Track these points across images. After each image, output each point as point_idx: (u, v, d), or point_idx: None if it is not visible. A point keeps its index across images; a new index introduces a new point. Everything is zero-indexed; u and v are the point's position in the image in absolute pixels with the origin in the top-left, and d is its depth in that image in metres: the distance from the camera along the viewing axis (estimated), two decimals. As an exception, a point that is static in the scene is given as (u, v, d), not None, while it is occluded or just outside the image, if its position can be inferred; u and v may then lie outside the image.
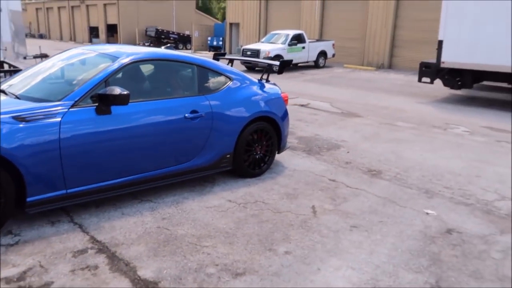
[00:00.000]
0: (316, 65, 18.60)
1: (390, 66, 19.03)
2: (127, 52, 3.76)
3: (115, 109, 3.37)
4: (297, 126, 7.23)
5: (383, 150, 5.89)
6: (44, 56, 13.39)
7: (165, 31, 36.81)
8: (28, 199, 2.99)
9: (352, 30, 20.21)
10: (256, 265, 2.82)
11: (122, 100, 3.25)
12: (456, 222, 3.65)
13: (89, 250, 2.87)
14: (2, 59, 7.82)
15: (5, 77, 6.19)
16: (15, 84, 3.72)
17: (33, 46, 20.62)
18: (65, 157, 3.10)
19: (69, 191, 3.19)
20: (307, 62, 18.38)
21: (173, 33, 36.83)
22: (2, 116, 2.89)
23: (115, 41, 38.05)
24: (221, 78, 4.30)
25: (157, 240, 3.07)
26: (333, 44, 19.16)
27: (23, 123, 2.94)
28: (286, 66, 5.08)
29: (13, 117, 2.93)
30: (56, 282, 2.49)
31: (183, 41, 36.07)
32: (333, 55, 19.17)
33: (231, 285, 2.58)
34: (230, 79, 4.35)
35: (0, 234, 2.98)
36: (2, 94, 3.43)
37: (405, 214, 3.79)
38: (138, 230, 3.19)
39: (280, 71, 4.98)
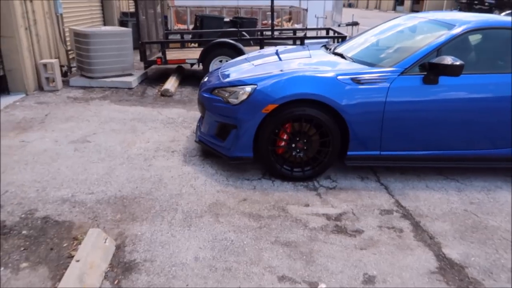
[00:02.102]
0: None
1: None
2: (461, 20, 3.52)
3: (442, 79, 3.27)
4: None
5: None
6: (355, 24, 14.35)
7: (479, -5, 32.46)
8: (349, 153, 3.38)
9: None
10: None
11: (453, 70, 3.10)
12: None
13: (394, 213, 3.01)
14: (330, 27, 8.86)
15: (334, 42, 7.05)
16: (348, 48, 4.14)
17: (345, 14, 22.46)
18: (385, 121, 3.28)
19: (382, 153, 3.39)
20: None
21: (489, -3, 32.06)
22: (343, 77, 3.29)
23: (419, 9, 36.67)
24: None
25: (464, 223, 2.90)
26: None
27: (358, 84, 3.26)
28: None
29: (352, 79, 3.29)
30: (366, 233, 2.75)
31: (500, 6, 30.91)
32: None
33: (558, 303, 2.17)
34: None
35: (321, 177, 3.51)
36: (340, 57, 3.88)
37: None
38: (443, 207, 3.10)
39: None
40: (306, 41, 7.12)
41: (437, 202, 3.18)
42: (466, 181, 3.55)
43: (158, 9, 8.14)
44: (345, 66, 3.56)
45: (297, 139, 3.37)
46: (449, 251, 2.59)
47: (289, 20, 14.06)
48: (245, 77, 3.54)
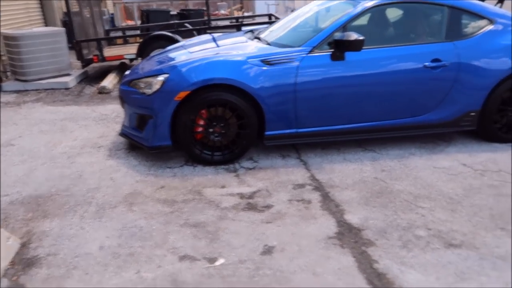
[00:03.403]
0: None
1: None
2: None
3: (349, 55, 3.37)
4: None
5: None
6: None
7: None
8: (266, 133, 3.46)
9: None
10: (479, 242, 2.41)
11: (355, 46, 3.22)
12: None
13: (307, 186, 3.12)
14: (272, 13, 8.94)
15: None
16: (269, 33, 4.20)
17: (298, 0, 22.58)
18: (298, 100, 3.37)
19: (299, 130, 3.49)
20: None
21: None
22: (253, 60, 3.35)
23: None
24: (479, 21, 3.61)
25: (371, 190, 3.03)
26: None
27: (268, 66, 3.33)
28: None
29: (262, 60, 3.35)
30: (275, 207, 2.84)
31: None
32: None
33: (440, 253, 2.32)
34: (491, 22, 3.60)
35: (243, 158, 3.59)
36: (259, 41, 3.94)
37: None
38: (355, 177, 3.23)
39: None
40: (244, 28, 7.16)
41: (351, 172, 3.31)
42: (382, 150, 3.69)
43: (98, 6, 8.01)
44: (258, 49, 3.62)
45: (214, 123, 3.42)
46: (351, 216, 2.71)
47: (241, 8, 14.06)
48: (158, 68, 3.56)
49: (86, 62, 6.69)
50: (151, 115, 3.39)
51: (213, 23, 7.83)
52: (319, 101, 3.42)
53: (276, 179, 3.24)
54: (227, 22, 10.11)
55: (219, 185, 3.17)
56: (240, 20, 8.71)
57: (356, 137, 3.64)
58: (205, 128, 3.44)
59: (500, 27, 3.60)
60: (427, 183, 3.10)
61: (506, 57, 3.52)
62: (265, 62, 3.35)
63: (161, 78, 3.37)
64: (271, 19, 8.24)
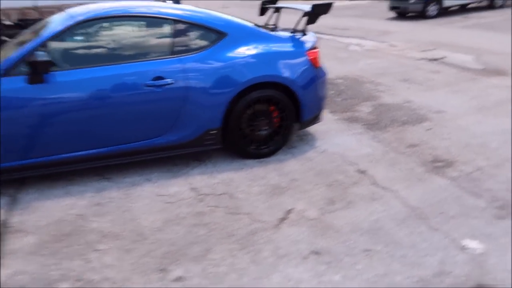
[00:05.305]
0: (490, 6, 14.60)
1: None
2: (83, 11, 3.25)
3: (57, 77, 2.97)
4: (394, 88, 5.63)
5: (491, 129, 4.04)
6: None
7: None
8: (-37, 171, 2.94)
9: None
10: (121, 291, 2.12)
11: (42, 68, 2.83)
12: (505, 273, 2.11)
13: (-16, 235, 2.65)
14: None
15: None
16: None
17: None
18: (-6, 131, 2.90)
19: (2, 165, 3.00)
20: (480, 2, 14.62)
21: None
22: None
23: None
24: (209, 34, 3.39)
25: (59, 232, 2.64)
26: (521, -26, 14.60)
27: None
28: (322, 13, 3.73)
29: None
30: None
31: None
32: (520, -10, 14.69)
33: (62, 315, 1.98)
34: (222, 34, 3.40)
35: None
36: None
37: (423, 244, 2.40)
38: (55, 216, 2.82)
39: (311, 20, 3.72)
40: None
41: (57, 210, 2.89)
42: (120, 178, 3.33)
43: None
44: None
45: None
46: (2, 272, 2.29)
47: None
48: None
49: None
50: None
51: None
52: (22, 131, 2.96)
53: (-45, 228, 2.73)
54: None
55: None
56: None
57: (85, 165, 3.23)
58: None
59: (233, 39, 3.41)
60: (131, 217, 2.79)
61: (239, 70, 3.34)
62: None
63: None
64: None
